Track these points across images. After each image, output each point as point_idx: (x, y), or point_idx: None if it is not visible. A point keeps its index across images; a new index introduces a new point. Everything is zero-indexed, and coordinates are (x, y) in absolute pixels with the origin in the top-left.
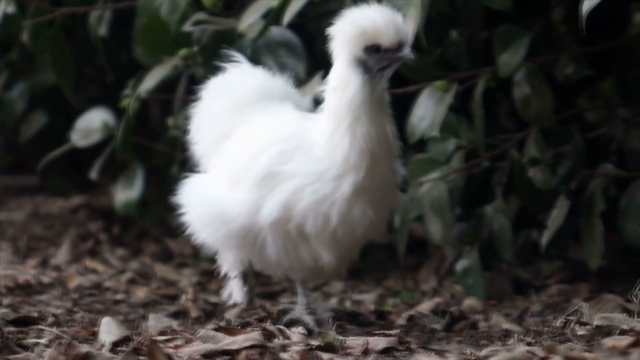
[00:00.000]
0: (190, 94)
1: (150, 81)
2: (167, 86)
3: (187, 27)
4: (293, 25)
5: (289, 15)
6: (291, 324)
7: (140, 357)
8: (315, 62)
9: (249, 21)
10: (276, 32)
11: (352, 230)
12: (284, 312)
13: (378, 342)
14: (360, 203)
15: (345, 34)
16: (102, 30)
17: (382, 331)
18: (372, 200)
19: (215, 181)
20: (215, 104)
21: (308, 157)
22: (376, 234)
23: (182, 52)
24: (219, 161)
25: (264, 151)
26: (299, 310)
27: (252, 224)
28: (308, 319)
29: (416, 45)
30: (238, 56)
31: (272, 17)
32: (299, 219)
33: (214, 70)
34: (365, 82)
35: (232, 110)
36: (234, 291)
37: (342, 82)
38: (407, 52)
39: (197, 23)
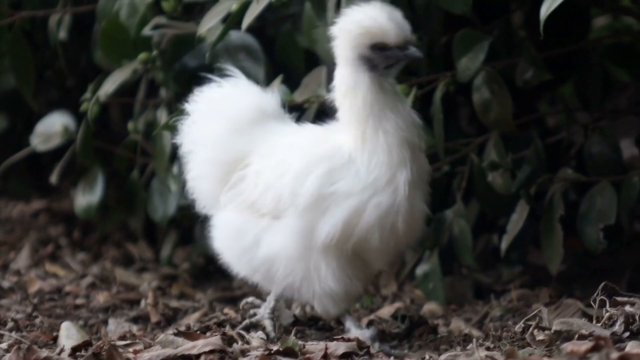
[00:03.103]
0: (150, 98)
1: (109, 85)
2: (127, 90)
3: (147, 31)
4: (253, 29)
5: (248, 19)
6: (251, 327)
7: None
8: (275, 66)
9: (209, 25)
10: (236, 36)
11: (414, 230)
12: (252, 305)
13: (338, 347)
14: (417, 200)
15: (349, 34)
16: (62, 34)
17: (341, 336)
18: (422, 194)
19: (247, 219)
20: (211, 125)
21: (355, 170)
22: None
23: (142, 56)
24: (241, 192)
25: (310, 172)
26: (261, 313)
27: (304, 249)
28: (267, 324)
29: None
30: (234, 71)
31: (232, 21)
32: (361, 235)
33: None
34: (372, 79)
35: (234, 133)
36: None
37: (350, 84)
38: (414, 50)
39: (157, 27)
